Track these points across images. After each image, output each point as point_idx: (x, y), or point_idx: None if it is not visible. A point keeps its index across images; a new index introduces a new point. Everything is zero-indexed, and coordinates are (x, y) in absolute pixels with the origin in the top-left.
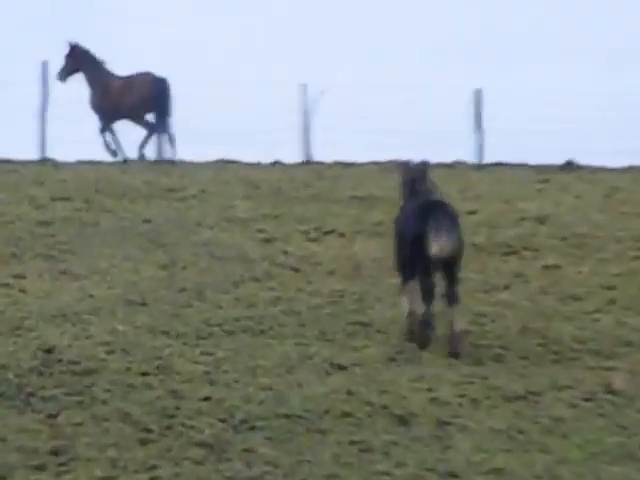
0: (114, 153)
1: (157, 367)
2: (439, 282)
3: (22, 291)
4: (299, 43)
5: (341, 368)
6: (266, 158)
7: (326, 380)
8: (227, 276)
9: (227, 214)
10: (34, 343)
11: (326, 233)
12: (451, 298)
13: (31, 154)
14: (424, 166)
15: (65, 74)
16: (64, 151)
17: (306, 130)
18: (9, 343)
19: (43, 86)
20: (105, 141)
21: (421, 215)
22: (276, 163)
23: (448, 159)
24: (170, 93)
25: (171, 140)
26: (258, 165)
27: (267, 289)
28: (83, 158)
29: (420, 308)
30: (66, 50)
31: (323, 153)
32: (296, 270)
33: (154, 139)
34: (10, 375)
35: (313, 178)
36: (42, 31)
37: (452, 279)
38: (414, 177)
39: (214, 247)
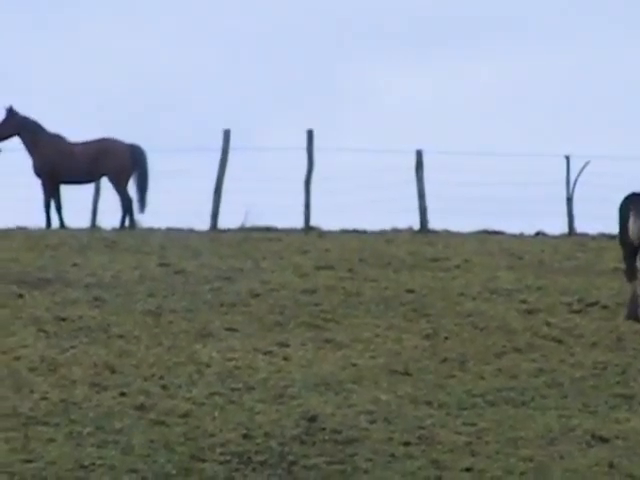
0: (50, 220)
1: (419, 437)
2: None
3: (286, 359)
4: (564, 114)
5: (603, 440)
6: (529, 229)
7: (588, 452)
8: (489, 347)
9: (490, 285)
10: (297, 411)
11: (589, 305)
12: None
13: (296, 222)
14: None
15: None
16: (328, 220)
17: (570, 201)
18: (272, 411)
19: (308, 155)
20: (47, 205)
21: (625, 205)
22: (539, 234)
23: None
24: (146, 160)
25: (141, 206)
26: (521, 236)
27: (529, 360)
28: (347, 227)
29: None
30: (3, 115)
31: (587, 225)
32: (559, 342)
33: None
34: (273, 443)
35: (577, 250)
36: (307, 98)
37: None
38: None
39: (477, 317)
